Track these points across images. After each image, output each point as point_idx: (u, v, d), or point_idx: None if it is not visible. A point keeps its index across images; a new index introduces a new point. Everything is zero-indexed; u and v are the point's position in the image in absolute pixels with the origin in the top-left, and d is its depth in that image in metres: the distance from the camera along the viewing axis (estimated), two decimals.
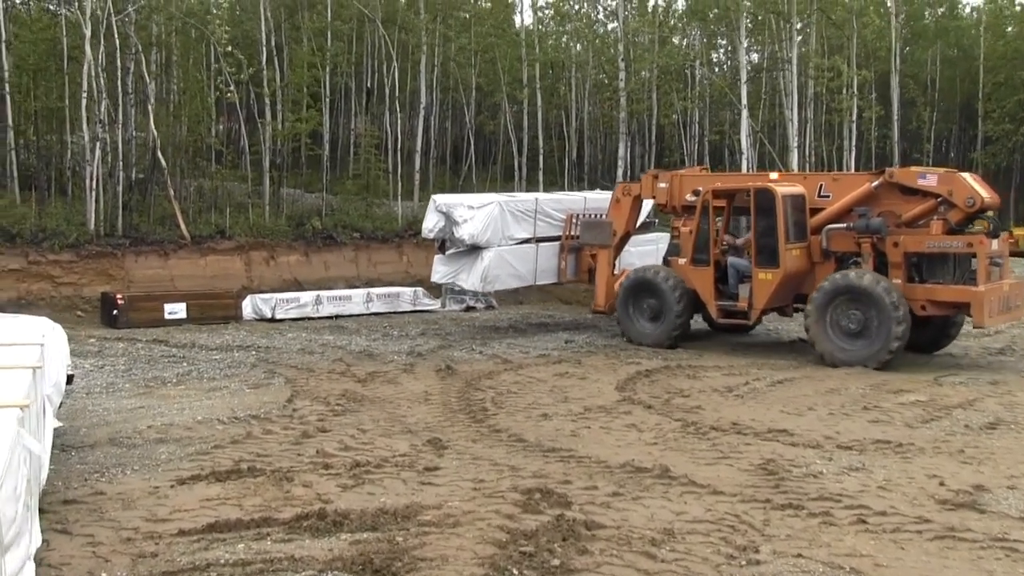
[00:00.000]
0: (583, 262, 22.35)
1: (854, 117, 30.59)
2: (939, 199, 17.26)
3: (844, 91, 30.33)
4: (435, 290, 27.38)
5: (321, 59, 32.25)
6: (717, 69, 39.63)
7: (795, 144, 28.65)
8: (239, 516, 8.28)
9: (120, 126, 27.19)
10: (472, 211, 20.81)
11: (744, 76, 28.04)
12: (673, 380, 15.97)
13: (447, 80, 38.69)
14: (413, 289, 27.21)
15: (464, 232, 20.59)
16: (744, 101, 27.99)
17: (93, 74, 26.01)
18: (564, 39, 40.34)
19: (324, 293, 26.04)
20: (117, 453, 10.45)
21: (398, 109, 33.81)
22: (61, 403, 10.68)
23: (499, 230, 21.03)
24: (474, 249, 20.88)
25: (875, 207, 17.67)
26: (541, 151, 35.38)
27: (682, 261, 19.53)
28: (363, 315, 25.65)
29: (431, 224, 21.06)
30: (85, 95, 25.87)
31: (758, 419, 12.91)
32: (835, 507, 9.01)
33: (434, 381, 15.48)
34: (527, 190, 31.45)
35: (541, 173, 35.10)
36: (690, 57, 36.93)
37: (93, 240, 25.37)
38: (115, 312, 22.81)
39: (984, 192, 17.10)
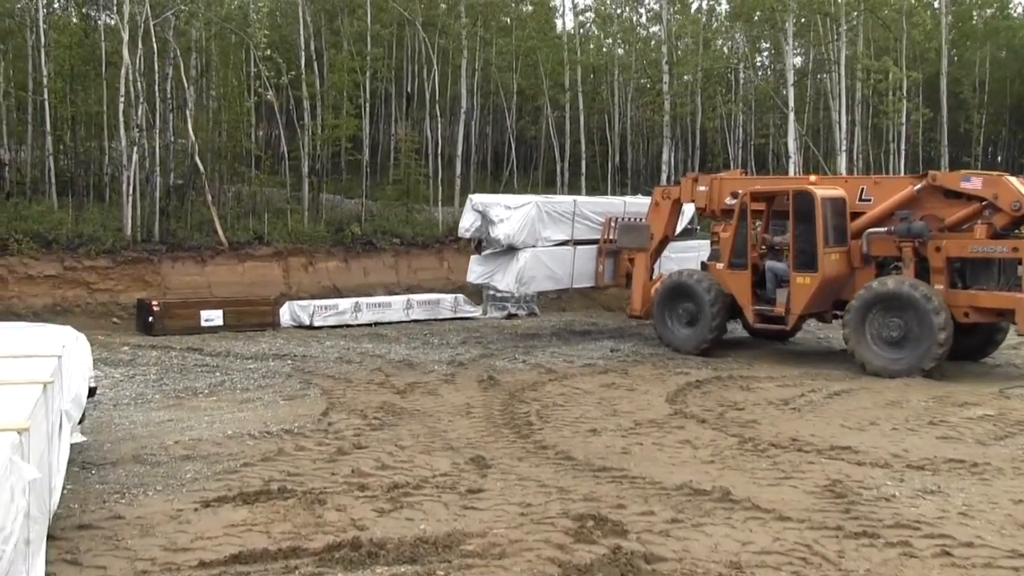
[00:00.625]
0: (621, 266, 21.91)
1: (903, 120, 29.50)
2: (984, 203, 16.61)
3: (892, 93, 29.25)
4: (476, 296, 26.70)
5: (361, 63, 31.61)
6: (761, 72, 38.50)
7: (843, 148, 27.60)
8: (266, 545, 7.52)
9: (158, 131, 26.65)
10: (509, 211, 20.41)
11: (791, 78, 27.05)
12: (725, 392, 15.10)
13: (488, 85, 37.94)
14: (454, 296, 26.49)
15: (500, 232, 20.21)
16: (791, 104, 27.00)
17: (131, 79, 25.52)
18: (608, 41, 39.36)
19: (363, 300, 25.38)
20: (140, 471, 9.75)
21: (438, 114, 33.10)
22: (83, 417, 10.03)
23: (536, 231, 20.63)
24: (510, 250, 20.47)
25: (917, 211, 17.07)
26: (583, 156, 34.47)
27: (720, 265, 19.03)
28: (402, 322, 24.99)
29: (467, 223, 20.83)
30: (123, 100, 25.37)
31: (818, 434, 12.03)
32: (914, 536, 8.14)
33: (476, 392, 14.70)
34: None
35: (583, 178, 34.20)
36: (733, 61, 35.93)
37: (130, 246, 24.86)
38: (150, 319, 22.27)
39: None
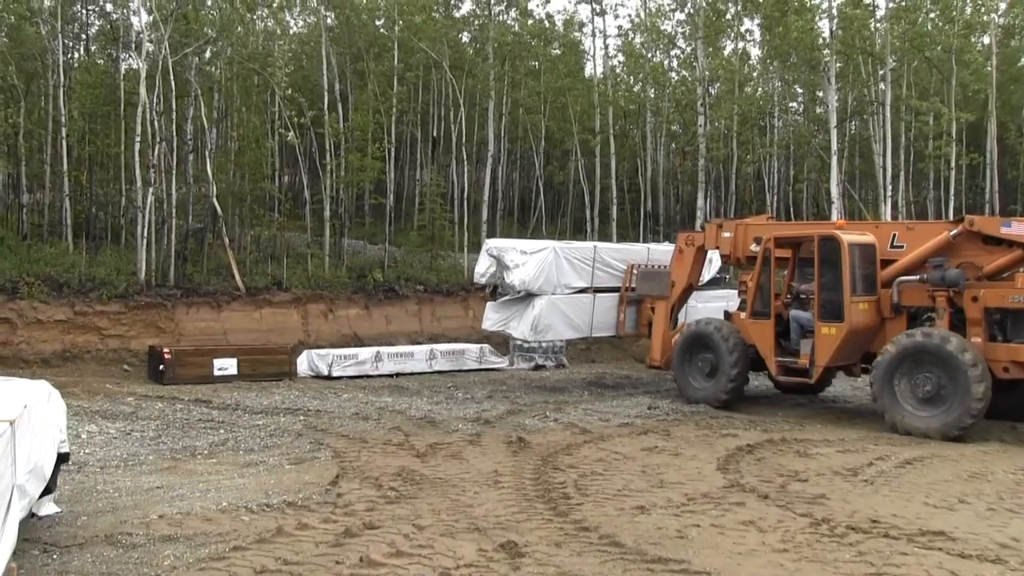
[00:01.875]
0: (644, 315, 20.82)
1: (952, 165, 27.74)
2: None
3: (942, 136, 27.56)
4: (502, 347, 25.09)
5: (386, 104, 30.24)
6: (797, 116, 36.77)
7: (888, 194, 25.87)
8: None
9: (174, 173, 25.26)
10: (525, 256, 19.46)
11: (833, 120, 25.37)
12: (782, 458, 13.31)
13: (515, 129, 36.48)
14: (479, 346, 24.85)
15: (515, 278, 19.28)
16: (834, 147, 25.32)
17: (148, 118, 24.21)
18: (639, 85, 37.78)
19: (384, 349, 23.78)
20: (110, 557, 8.07)
21: (465, 159, 31.64)
22: (54, 485, 8.41)
23: (553, 277, 19.61)
24: (527, 296, 19.47)
25: (953, 258, 15.75)
26: (614, 202, 32.82)
27: (743, 315, 17.93)
28: (425, 373, 23.42)
29: (483, 268, 20.00)
30: (139, 140, 24.04)
31: (901, 514, 10.22)
32: None
33: (504, 457, 12.96)
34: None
35: (615, 224, 32.52)
36: (768, 104, 34.33)
37: (143, 291, 23.44)
38: (162, 367, 20.78)
39: None
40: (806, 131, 32.06)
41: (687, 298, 20.18)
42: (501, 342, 24.77)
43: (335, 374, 22.31)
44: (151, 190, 24.01)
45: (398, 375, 23.00)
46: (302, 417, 15.84)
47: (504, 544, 8.66)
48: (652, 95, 35.66)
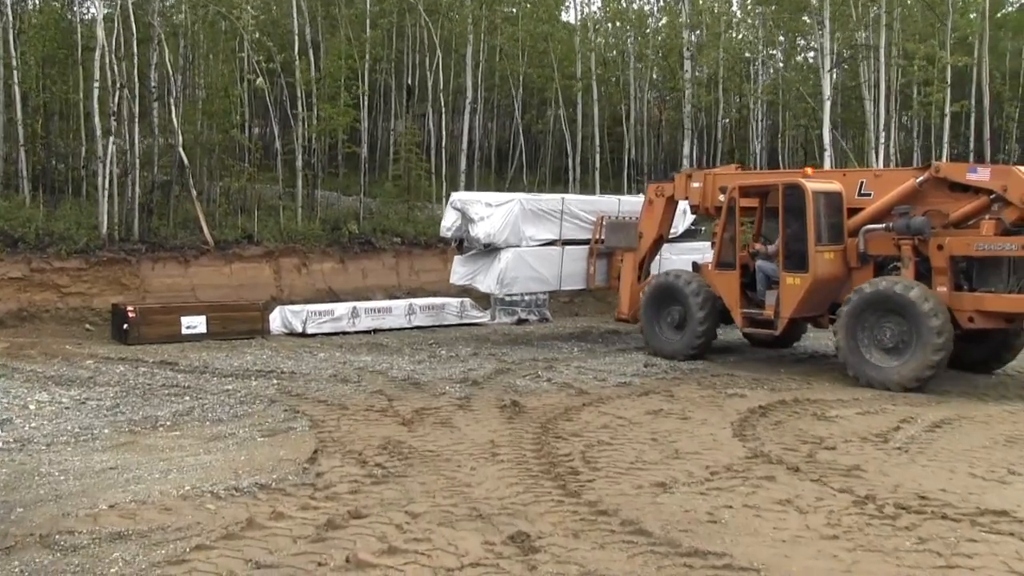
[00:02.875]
0: (614, 268, 19.85)
1: (947, 111, 26.32)
2: (992, 196, 14.38)
3: (931, 83, 26.16)
4: (483, 300, 23.64)
5: (359, 48, 28.43)
6: (781, 63, 35.07)
7: (881, 140, 24.46)
8: None
9: (137, 122, 23.45)
10: (490, 209, 18.75)
11: (827, 64, 23.87)
12: (800, 422, 12.01)
13: (492, 78, 34.64)
14: (460, 300, 23.36)
15: (480, 231, 18.56)
16: (827, 93, 23.84)
17: (107, 62, 22.35)
18: (619, 27, 35.82)
19: (361, 305, 22.27)
20: (43, 564, 6.59)
21: (443, 104, 29.94)
22: None
23: (519, 230, 18.89)
24: (494, 250, 18.79)
25: (919, 206, 15.03)
26: (598, 151, 31.15)
27: (710, 266, 17.23)
28: (404, 329, 21.98)
29: (448, 222, 19.40)
30: (98, 86, 22.20)
31: (949, 489, 8.93)
32: None
33: (499, 424, 11.56)
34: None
35: (597, 175, 30.91)
36: (753, 51, 32.72)
37: (105, 245, 21.74)
38: (125, 327, 19.19)
39: None
40: (794, 77, 30.50)
41: (658, 250, 19.37)
42: (482, 296, 23.33)
43: (310, 331, 20.83)
44: (112, 139, 22.22)
45: (376, 331, 21.55)
46: (275, 380, 14.33)
47: (514, 536, 7.26)
48: (634, 41, 33.81)
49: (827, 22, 23.58)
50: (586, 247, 20.01)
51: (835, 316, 15.44)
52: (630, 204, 20.72)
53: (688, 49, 28.46)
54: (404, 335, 21.12)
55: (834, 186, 15.77)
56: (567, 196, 21.16)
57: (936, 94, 25.63)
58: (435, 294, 24.52)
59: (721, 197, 17.03)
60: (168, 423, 11.20)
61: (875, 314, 14.53)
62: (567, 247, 19.75)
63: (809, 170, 16.87)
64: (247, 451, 9.92)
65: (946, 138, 26.88)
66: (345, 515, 7.68)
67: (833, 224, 15.45)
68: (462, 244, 19.48)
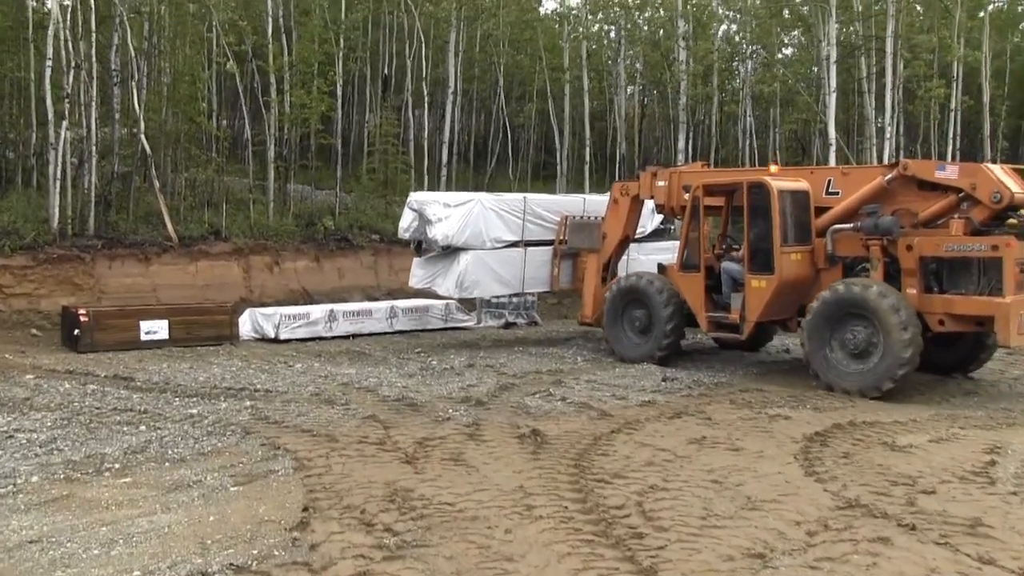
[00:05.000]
0: (579, 269, 18.65)
1: (953, 106, 24.35)
2: (961, 194, 13.52)
3: (932, 78, 24.18)
4: (468, 303, 21.36)
5: (336, 31, 25.93)
6: (780, 56, 32.74)
7: (887, 135, 22.41)
8: None
9: (95, 107, 20.85)
10: (448, 209, 17.39)
11: (833, 55, 21.76)
12: (872, 453, 9.85)
13: (470, 69, 32.15)
14: (445, 302, 20.99)
15: (438, 232, 17.20)
16: (832, 85, 21.73)
17: (62, 38, 19.73)
18: (608, 16, 33.44)
19: (339, 307, 19.89)
20: None
21: (425, 94, 27.50)
22: None
23: (480, 231, 17.51)
24: (454, 251, 17.43)
25: (888, 205, 14.04)
26: (588, 144, 28.78)
27: (675, 267, 16.11)
28: (386, 334, 19.68)
29: (406, 223, 18.01)
30: (50, 65, 19.59)
31: None
32: None
33: (522, 460, 9.25)
34: (572, 192, 25.26)
35: (587, 169, 28.53)
36: (737, 49, 30.61)
37: (56, 241, 19.18)
38: (77, 332, 16.71)
39: (1015, 186, 13.29)
40: (787, 72, 28.37)
41: (623, 251, 18.03)
42: (467, 298, 21.05)
43: (283, 336, 18.44)
44: (66, 124, 19.63)
45: (355, 337, 19.22)
46: (248, 402, 11.88)
47: None
48: (619, 30, 31.42)
49: (833, 11, 21.49)
50: (550, 248, 18.59)
51: (802, 319, 14.22)
52: (595, 203, 19.20)
53: (684, 39, 26.22)
54: (386, 341, 18.80)
55: (801, 184, 14.71)
56: (529, 195, 19.48)
57: (937, 90, 23.63)
58: (417, 295, 22.14)
59: (686, 196, 15.80)
60: (117, 465, 8.74)
61: (841, 318, 13.48)
62: (530, 248, 18.32)
63: (774, 167, 15.61)
64: (217, 507, 7.52)
65: (951, 133, 24.86)
66: None
67: (800, 224, 14.41)
68: (420, 246, 17.98)
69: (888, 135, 22.44)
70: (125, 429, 10.16)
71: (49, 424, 10.32)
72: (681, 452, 9.73)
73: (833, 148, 21.79)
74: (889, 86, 22.40)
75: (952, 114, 24.93)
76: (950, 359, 14.71)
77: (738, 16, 30.72)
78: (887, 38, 21.96)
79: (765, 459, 9.54)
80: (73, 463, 8.75)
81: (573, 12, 31.63)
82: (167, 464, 8.80)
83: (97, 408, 11.29)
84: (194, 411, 11.19)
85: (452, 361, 15.78)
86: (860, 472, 9.09)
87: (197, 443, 9.58)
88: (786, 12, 27.52)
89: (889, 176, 14.09)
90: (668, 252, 18.61)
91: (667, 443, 10.13)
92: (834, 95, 21.82)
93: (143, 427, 10.26)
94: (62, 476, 8.33)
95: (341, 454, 9.32)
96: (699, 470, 9.03)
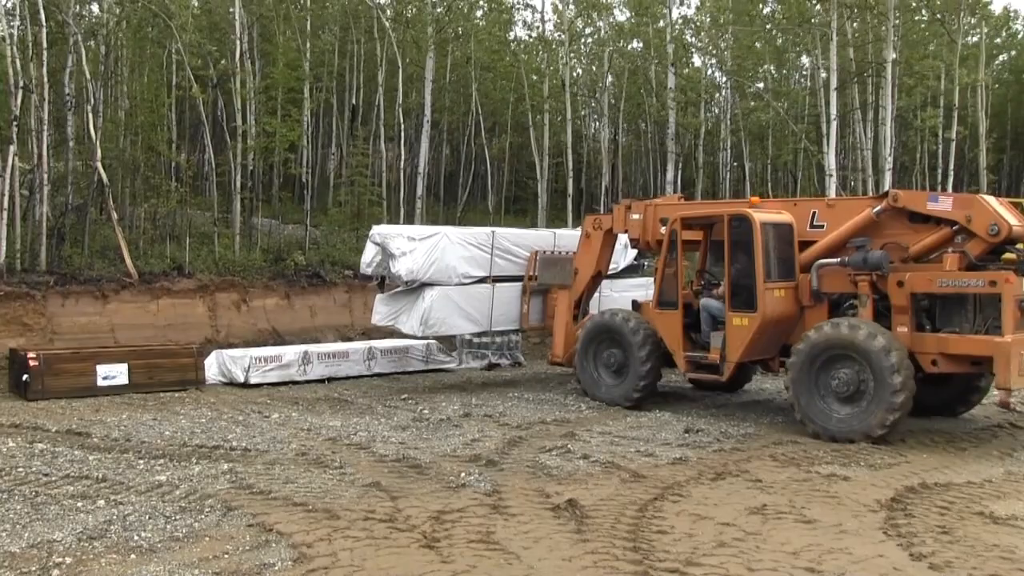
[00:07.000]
0: (550, 306, 17.34)
1: (954, 135, 23.22)
2: (955, 227, 12.45)
3: (926, 108, 23.09)
4: (448, 342, 19.63)
5: (305, 54, 24.23)
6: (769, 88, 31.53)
7: (887, 166, 21.12)
8: None
9: (47, 134, 18.88)
10: (413, 243, 16.10)
11: (833, 82, 20.47)
12: (968, 526, 8.24)
13: (441, 99, 30.52)
14: (425, 343, 19.23)
15: (402, 267, 15.89)
16: (834, 113, 20.43)
17: (9, 56, 17.79)
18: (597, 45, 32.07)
19: (313, 349, 18.02)
20: None
21: (401, 123, 25.82)
22: None
23: (446, 267, 16.26)
24: (419, 287, 16.13)
25: (877, 238, 13.02)
26: (571, 176, 27.21)
27: (651, 304, 14.91)
28: (364, 377, 17.89)
29: (368, 258, 16.73)
30: None
31: None
32: None
33: (568, 543, 7.46)
34: (550, 227, 23.69)
35: (570, 202, 26.88)
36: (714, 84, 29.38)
37: (3, 276, 17.13)
38: (26, 378, 14.72)
39: (1012, 219, 12.27)
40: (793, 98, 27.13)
41: (596, 287, 16.93)
42: (447, 338, 19.35)
43: (253, 380, 16.57)
44: (13, 149, 17.63)
45: (331, 380, 17.41)
46: (225, 464, 9.95)
47: None
48: (609, 59, 29.97)
49: (834, 35, 20.24)
50: (519, 284, 17.35)
51: (785, 360, 13.15)
52: (567, 238, 17.99)
53: (673, 65, 24.81)
54: (366, 385, 17.03)
55: (784, 217, 13.60)
56: (498, 229, 18.15)
57: (931, 119, 22.46)
58: (393, 335, 20.32)
59: (663, 230, 14.73)
60: (68, 558, 6.78)
61: (829, 361, 12.33)
62: (498, 284, 17.07)
63: (755, 199, 14.40)
64: None
65: (951, 164, 23.70)
66: None
67: (783, 259, 13.34)
68: (384, 282, 16.83)
69: (888, 166, 21.13)
70: (79, 504, 8.19)
71: None
72: (748, 527, 8.04)
73: (833, 179, 20.42)
74: (890, 114, 21.12)
75: (949, 144, 23.74)
76: (940, 399, 13.63)
77: (713, 50, 29.52)
78: (888, 63, 20.72)
79: (849, 535, 7.88)
80: (11, 557, 6.78)
81: (557, 35, 30.17)
82: (132, 556, 6.86)
83: (45, 475, 9.28)
84: (162, 477, 9.25)
85: (445, 410, 13.98)
86: (968, 554, 7.45)
87: (168, 523, 7.66)
88: (779, 40, 26.36)
89: (878, 208, 12.98)
90: (642, 288, 17.70)
91: (725, 514, 8.43)
92: (835, 123, 20.50)
93: (101, 501, 8.29)
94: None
95: (346, 536, 7.47)
96: (782, 552, 7.33)
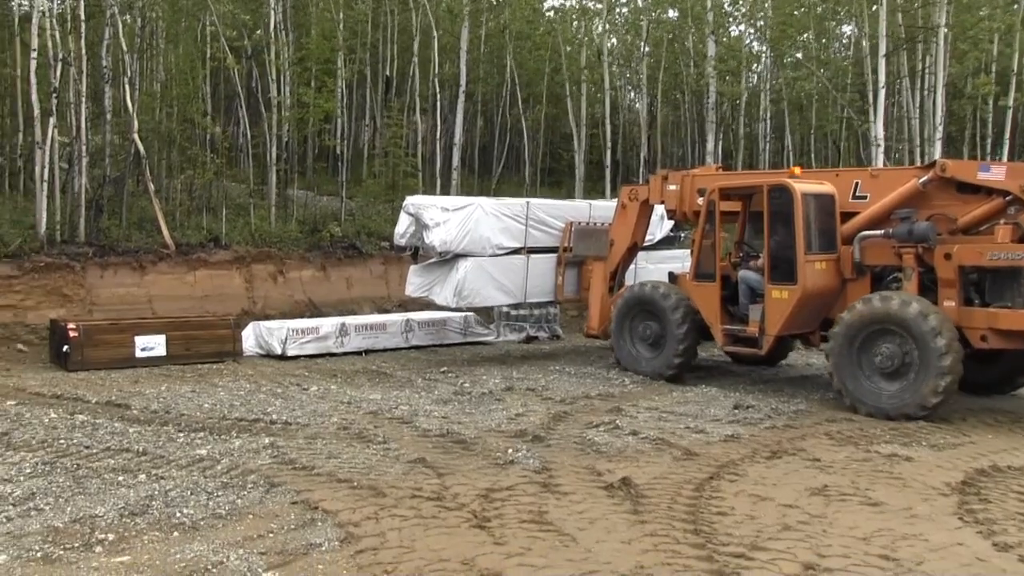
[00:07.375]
0: (585, 278, 16.98)
1: (1011, 102, 22.38)
2: (1008, 197, 11.91)
3: (979, 74, 22.28)
4: (486, 314, 19.30)
5: (339, 24, 23.82)
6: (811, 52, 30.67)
7: (938, 136, 20.45)
8: None
9: (86, 106, 18.65)
10: (447, 214, 15.75)
11: (882, 48, 19.79)
12: None
13: (476, 70, 30.00)
14: (463, 315, 18.94)
15: (435, 238, 15.57)
16: (882, 81, 19.74)
17: (48, 28, 17.55)
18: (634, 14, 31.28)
19: (350, 321, 17.77)
20: None
21: (437, 94, 25.37)
22: None
23: (480, 237, 15.96)
24: (453, 258, 15.85)
25: (924, 209, 12.50)
26: (609, 147, 26.65)
27: (688, 276, 14.56)
28: (401, 349, 17.60)
29: (402, 229, 16.36)
30: (35, 55, 17.40)
31: None
32: None
33: (625, 525, 7.11)
34: (586, 199, 23.18)
35: (607, 173, 26.34)
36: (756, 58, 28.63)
37: (44, 248, 16.95)
38: (66, 349, 14.55)
39: None
40: (838, 64, 26.26)
41: (632, 259, 16.62)
42: (486, 311, 19.04)
43: (290, 353, 16.36)
44: (53, 122, 17.42)
45: (368, 352, 17.16)
46: (266, 438, 9.68)
47: None
48: (648, 27, 29.25)
49: (884, 1, 19.51)
50: (554, 255, 17.06)
51: (826, 333, 12.70)
52: (602, 209, 17.66)
53: (713, 33, 24.15)
54: (404, 358, 16.75)
55: (826, 188, 13.10)
56: (533, 200, 17.79)
57: (985, 86, 21.67)
58: (430, 306, 20.04)
59: (700, 201, 14.38)
60: (110, 535, 6.53)
61: (872, 335, 11.87)
62: (533, 256, 16.81)
63: (796, 169, 13.81)
64: None
65: (1007, 136, 22.82)
66: None
67: (825, 230, 12.89)
68: (417, 252, 16.49)
69: (939, 135, 20.42)
70: (120, 479, 7.94)
71: (28, 471, 8.10)
72: (811, 509, 7.64)
73: (881, 150, 19.75)
74: (940, 82, 20.37)
75: (1005, 112, 22.82)
76: (988, 377, 13.11)
77: (753, 19, 28.72)
78: (941, 28, 19.91)
79: (921, 520, 7.46)
80: (54, 531, 6.52)
81: (594, 4, 29.49)
82: (175, 534, 6.59)
83: (87, 448, 9.05)
84: (203, 451, 9.00)
85: (487, 383, 13.65)
86: None
87: (211, 500, 7.39)
88: (819, 7, 25.54)
89: (924, 178, 12.44)
90: (678, 260, 17.41)
91: (785, 495, 8.03)
92: (883, 91, 19.78)
93: (142, 476, 8.05)
94: (39, 554, 6.12)
95: (393, 515, 7.17)
96: (851, 538, 6.93)
